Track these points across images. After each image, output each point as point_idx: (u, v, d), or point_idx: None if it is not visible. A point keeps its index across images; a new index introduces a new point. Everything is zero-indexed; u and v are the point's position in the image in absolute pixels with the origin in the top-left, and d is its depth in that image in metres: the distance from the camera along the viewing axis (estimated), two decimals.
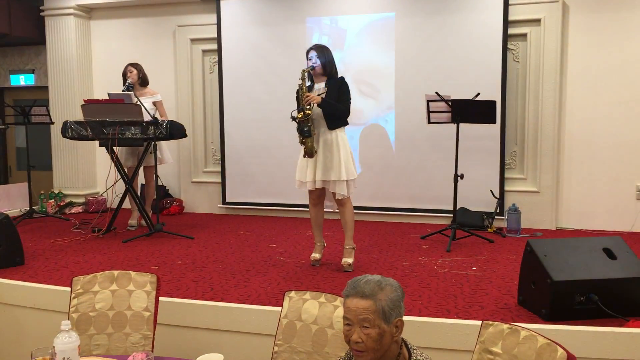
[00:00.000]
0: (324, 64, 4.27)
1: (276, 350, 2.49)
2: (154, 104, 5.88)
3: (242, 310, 3.37)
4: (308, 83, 4.35)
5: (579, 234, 5.53)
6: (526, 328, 2.02)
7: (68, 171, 7.48)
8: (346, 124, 4.34)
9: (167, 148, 6.08)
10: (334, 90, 4.24)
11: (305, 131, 4.12)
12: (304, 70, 4.25)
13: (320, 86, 4.30)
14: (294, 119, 4.19)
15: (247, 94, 6.76)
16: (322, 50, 4.31)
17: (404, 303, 1.86)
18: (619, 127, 5.69)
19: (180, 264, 4.51)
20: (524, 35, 5.91)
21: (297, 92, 4.30)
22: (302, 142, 4.19)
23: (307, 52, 4.35)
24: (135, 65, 5.93)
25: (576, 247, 3.29)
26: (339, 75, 4.38)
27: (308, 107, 4.11)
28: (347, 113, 4.30)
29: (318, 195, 4.36)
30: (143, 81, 5.96)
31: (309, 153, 4.17)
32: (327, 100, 4.16)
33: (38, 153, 7.46)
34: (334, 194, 4.26)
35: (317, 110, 4.17)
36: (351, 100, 4.33)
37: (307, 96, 4.14)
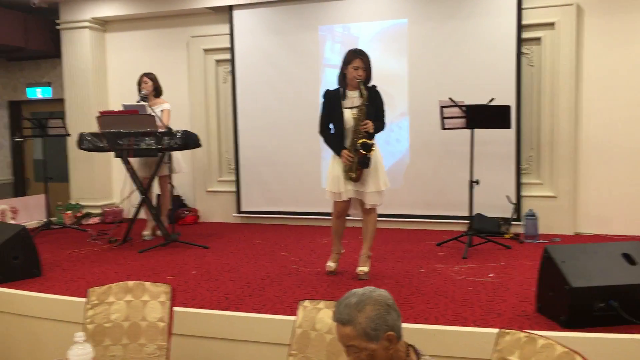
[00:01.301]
0: (368, 74, 4.17)
1: None
2: (161, 112, 5.91)
3: (257, 320, 3.36)
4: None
5: (598, 239, 5.44)
6: (544, 336, 1.98)
7: (85, 182, 7.56)
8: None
9: (181, 157, 6.11)
10: (372, 104, 4.14)
11: (366, 163, 4.06)
12: (362, 90, 4.08)
13: (354, 94, 4.18)
14: (356, 150, 4.05)
15: (261, 103, 6.78)
16: (368, 61, 4.17)
17: (399, 310, 1.84)
18: (636, 129, 5.61)
19: (196, 273, 4.51)
20: (538, 39, 5.86)
21: (331, 95, 4.21)
22: (356, 169, 4.08)
23: (351, 59, 4.14)
24: (149, 76, 5.98)
25: (595, 253, 3.23)
26: (371, 84, 4.26)
27: (372, 144, 4.04)
28: (384, 127, 4.28)
29: (344, 207, 4.29)
30: (157, 91, 6.01)
31: (357, 179, 4.11)
32: (376, 124, 4.12)
33: (55, 165, 7.54)
34: (363, 203, 4.22)
35: (352, 121, 4.11)
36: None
37: (366, 124, 4.04)
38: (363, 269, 4.24)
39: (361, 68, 4.11)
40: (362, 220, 4.32)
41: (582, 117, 5.78)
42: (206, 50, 7.06)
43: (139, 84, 5.96)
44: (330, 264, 4.37)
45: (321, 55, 6.53)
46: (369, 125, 4.05)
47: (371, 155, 4.06)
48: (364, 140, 4.03)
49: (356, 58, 4.14)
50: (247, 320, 3.38)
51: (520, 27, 5.80)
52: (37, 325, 3.83)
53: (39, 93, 8.43)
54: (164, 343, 2.76)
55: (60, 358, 2.14)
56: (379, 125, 4.21)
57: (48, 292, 3.97)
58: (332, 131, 4.26)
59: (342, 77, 4.22)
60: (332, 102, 4.22)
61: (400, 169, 6.29)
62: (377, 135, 4.36)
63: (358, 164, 4.07)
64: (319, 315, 2.47)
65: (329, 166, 4.29)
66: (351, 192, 4.17)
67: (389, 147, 6.28)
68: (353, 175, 4.11)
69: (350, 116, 4.12)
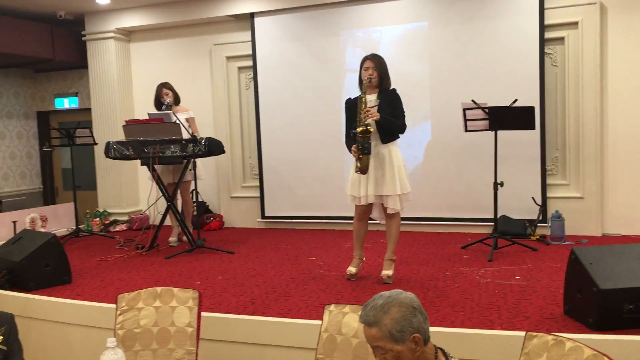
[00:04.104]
0: (381, 75, 4.20)
1: None
2: (187, 120, 5.99)
3: (283, 325, 3.39)
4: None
5: (627, 240, 5.36)
6: (571, 339, 1.97)
7: (112, 190, 7.68)
8: (398, 137, 4.29)
9: (201, 164, 6.16)
10: (387, 103, 4.18)
11: (366, 148, 4.04)
12: (365, 85, 4.14)
13: (372, 98, 4.21)
14: (354, 135, 4.08)
15: (283, 109, 6.83)
16: (379, 61, 4.23)
17: (426, 312, 1.86)
18: None
19: (222, 279, 4.56)
20: (562, 39, 5.80)
21: (350, 103, 4.25)
22: (358, 158, 4.10)
23: (363, 62, 4.25)
24: (168, 86, 6.07)
25: (623, 254, 3.19)
26: (391, 87, 4.30)
27: (368, 124, 4.02)
28: (404, 128, 4.25)
29: (364, 210, 4.31)
30: (176, 99, 6.10)
31: (364, 170, 4.11)
32: (387, 117, 4.11)
33: (83, 173, 7.68)
34: (385, 208, 4.22)
35: (371, 123, 4.11)
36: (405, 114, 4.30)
37: (367, 111, 4.06)
38: (387, 272, 4.25)
39: (371, 68, 4.18)
40: (386, 224, 4.32)
41: (608, 117, 5.71)
42: (228, 58, 7.14)
43: (159, 96, 6.03)
44: (351, 269, 4.36)
45: (343, 60, 6.56)
46: (370, 112, 4.05)
47: (370, 141, 4.04)
48: (363, 127, 4.03)
49: (366, 60, 4.24)
50: (273, 325, 3.41)
51: (543, 27, 5.75)
52: (69, 331, 3.91)
53: (66, 103, 8.60)
54: (193, 348, 2.80)
55: None
56: (397, 124, 4.20)
57: (79, 299, 4.05)
58: None
59: (360, 82, 4.26)
60: (352, 109, 4.24)
61: (424, 171, 6.28)
62: (401, 140, 4.34)
63: (359, 151, 4.07)
64: (345, 319, 2.49)
65: (351, 170, 4.30)
66: (371, 197, 4.17)
67: (412, 149, 6.28)
68: (359, 165, 4.10)
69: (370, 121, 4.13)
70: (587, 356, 1.87)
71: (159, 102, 6.06)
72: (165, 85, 6.08)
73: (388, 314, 1.79)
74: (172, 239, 6.07)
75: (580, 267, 3.13)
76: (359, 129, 4.04)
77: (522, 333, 2.17)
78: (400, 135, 4.28)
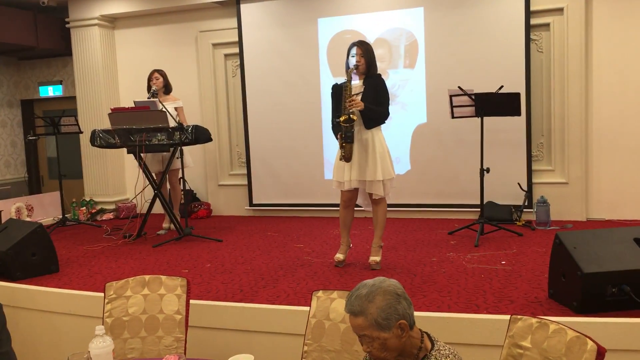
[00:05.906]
0: (368, 62, 4.19)
1: (306, 349, 2.51)
2: (176, 109, 5.97)
3: (272, 311, 3.41)
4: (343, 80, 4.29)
5: (611, 225, 5.43)
6: (555, 321, 2.00)
7: (98, 179, 7.64)
8: (383, 122, 4.30)
9: (187, 152, 6.14)
10: (372, 89, 4.18)
11: (348, 137, 4.05)
12: (350, 71, 4.15)
13: (357, 83, 4.23)
14: (338, 123, 4.10)
15: (270, 96, 6.81)
16: (367, 48, 4.22)
17: (412, 298, 1.87)
18: None
19: (210, 266, 4.57)
20: (547, 25, 5.83)
21: (336, 89, 4.25)
22: (341, 146, 4.13)
23: (350, 49, 4.24)
24: (160, 72, 6.04)
25: (606, 238, 3.23)
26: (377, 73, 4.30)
27: (352, 112, 4.03)
28: (387, 115, 4.26)
29: (350, 197, 4.32)
30: (167, 88, 6.06)
31: (347, 158, 4.12)
32: (370, 106, 4.10)
33: (68, 162, 7.61)
34: (370, 194, 4.25)
35: (355, 112, 4.11)
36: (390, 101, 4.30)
37: (351, 100, 4.06)
38: (375, 258, 4.27)
39: (358, 54, 4.17)
40: (372, 210, 4.34)
41: (593, 103, 5.76)
42: (214, 45, 7.09)
43: (150, 79, 6.01)
44: (339, 256, 4.39)
45: (330, 47, 6.53)
46: (354, 101, 4.06)
47: (353, 130, 4.05)
48: (346, 116, 4.04)
49: (354, 46, 4.22)
50: (261, 312, 3.42)
51: (529, 13, 5.77)
52: (57, 320, 3.90)
53: (50, 91, 8.50)
54: (181, 335, 2.81)
55: (79, 351, 2.18)
56: (380, 112, 4.21)
57: (66, 288, 4.04)
58: None
59: (347, 68, 4.26)
60: (339, 95, 4.24)
61: (411, 157, 6.30)
62: (390, 125, 4.34)
63: (342, 140, 4.08)
64: (333, 305, 2.51)
65: (336, 156, 4.31)
66: (355, 182, 4.19)
67: (401, 135, 6.30)
68: (343, 153, 4.12)
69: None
70: (570, 338, 1.90)
71: (150, 87, 6.02)
72: (157, 70, 6.05)
73: (373, 303, 1.80)
74: (165, 225, 6.07)
75: (565, 252, 3.17)
76: (342, 118, 4.06)
77: (507, 316, 2.20)
78: (384, 121, 4.29)
